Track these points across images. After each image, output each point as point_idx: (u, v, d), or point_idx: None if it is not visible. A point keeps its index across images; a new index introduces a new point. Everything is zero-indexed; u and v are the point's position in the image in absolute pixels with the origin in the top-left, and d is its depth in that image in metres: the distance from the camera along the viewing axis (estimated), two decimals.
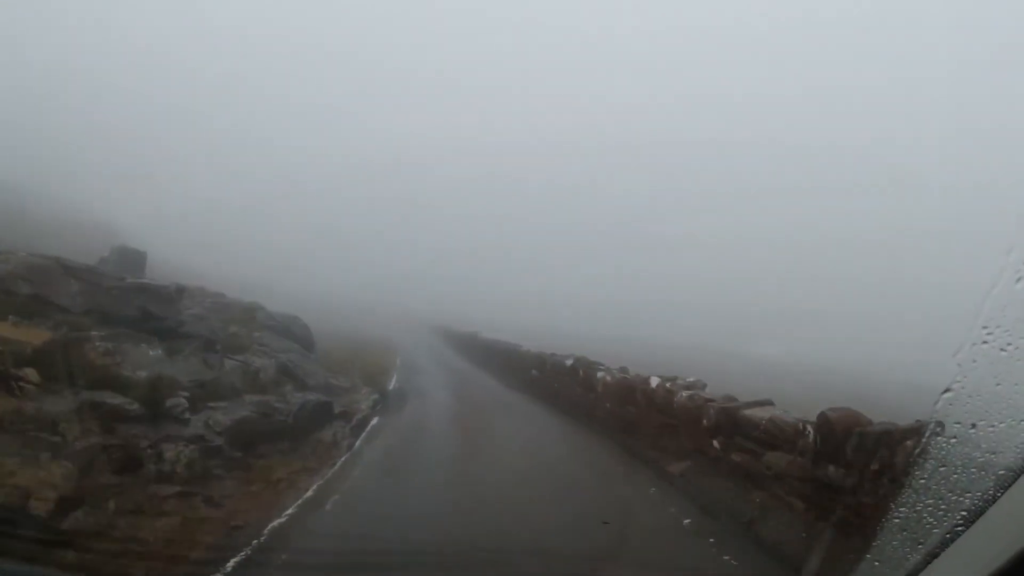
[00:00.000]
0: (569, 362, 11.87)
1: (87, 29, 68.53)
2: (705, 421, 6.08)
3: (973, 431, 1.02)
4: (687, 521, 4.96)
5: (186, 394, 6.72)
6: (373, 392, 12.23)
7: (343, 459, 6.89)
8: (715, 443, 5.90)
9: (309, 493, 5.49)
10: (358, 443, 7.88)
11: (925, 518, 1.06)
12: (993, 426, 0.98)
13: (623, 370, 9.62)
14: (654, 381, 7.75)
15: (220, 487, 5.36)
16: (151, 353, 7.17)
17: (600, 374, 9.68)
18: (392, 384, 15.00)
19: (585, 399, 10.21)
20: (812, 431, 4.46)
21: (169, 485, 4.97)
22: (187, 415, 6.41)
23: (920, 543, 1.03)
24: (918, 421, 3.71)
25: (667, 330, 40.72)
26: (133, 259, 15.48)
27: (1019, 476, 0.88)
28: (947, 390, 1.07)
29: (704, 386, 7.19)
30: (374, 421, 9.58)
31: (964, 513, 0.92)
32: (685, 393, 6.79)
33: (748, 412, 5.55)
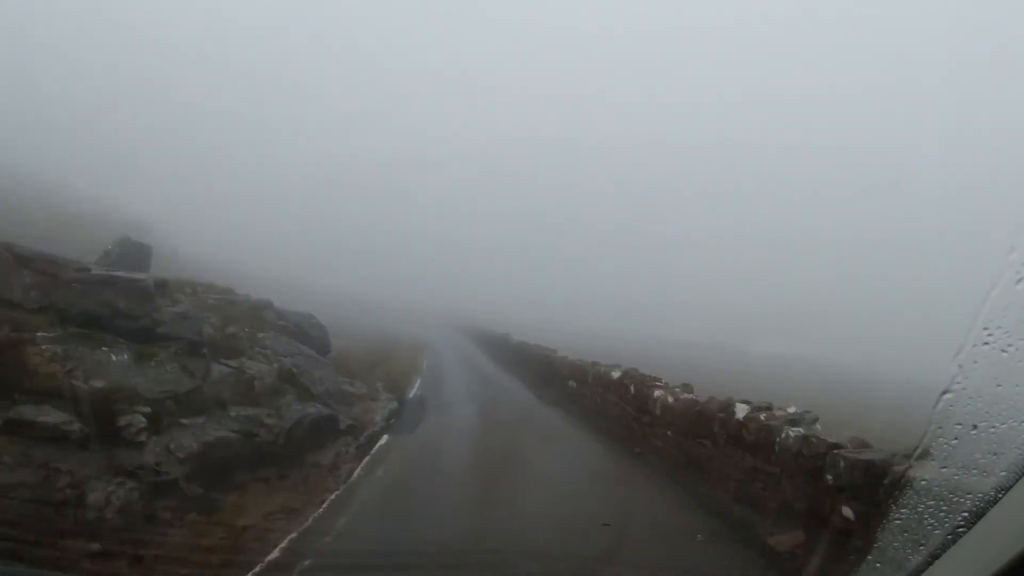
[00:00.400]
0: (616, 374, 12.43)
1: (114, 29, 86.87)
2: (829, 477, 5.51)
3: (974, 432, 1.34)
4: None
5: (147, 409, 7.03)
6: (391, 400, 13.90)
7: (335, 495, 7.33)
8: (846, 511, 5.25)
9: (275, 553, 5.39)
10: (358, 471, 8.50)
11: (926, 519, 1.39)
12: (994, 427, 1.30)
13: (686, 388, 9.85)
14: (741, 410, 7.45)
15: (161, 542, 5.16)
16: (114, 358, 7.73)
17: (658, 393, 9.94)
18: (413, 391, 17.14)
19: (637, 423, 10.59)
20: None
21: (88, 541, 4.66)
22: (143, 437, 6.61)
23: (921, 544, 1.36)
24: None
25: (668, 328, 55.22)
26: (136, 252, 17.44)
27: (1020, 477, 1.18)
28: (947, 391, 1.39)
29: (815, 420, 6.70)
30: (383, 440, 10.43)
31: (965, 514, 1.24)
32: (792, 432, 6.28)
33: (903, 470, 4.84)
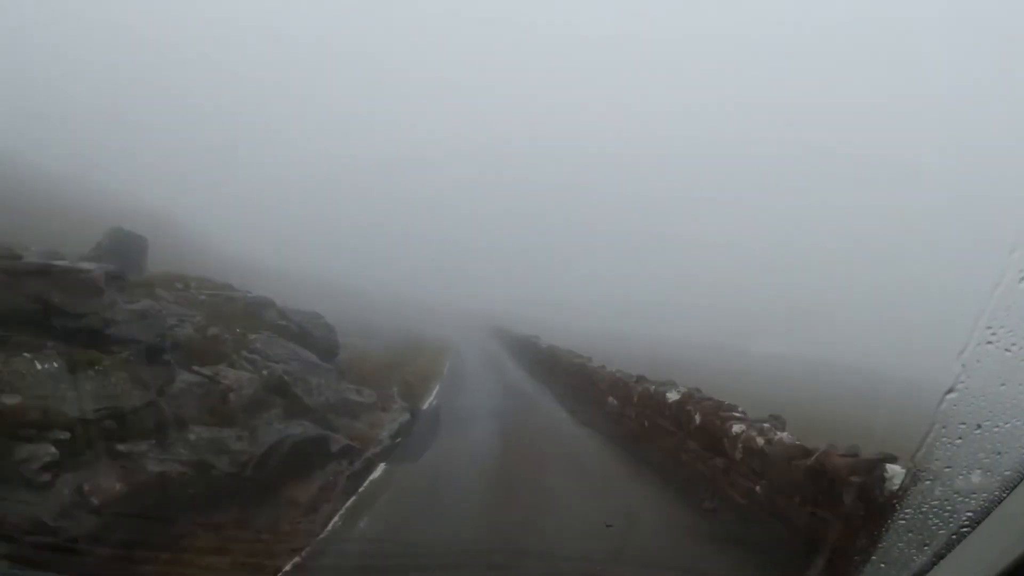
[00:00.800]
0: (672, 396, 12.89)
1: (116, 29, 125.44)
2: None
3: (978, 432, 1.83)
4: None
5: (65, 435, 7.21)
6: (403, 411, 16.07)
7: (294, 561, 7.36)
8: None
9: None
10: (337, 518, 8.95)
11: (931, 519, 1.89)
12: (998, 426, 1.78)
13: (776, 421, 9.89)
14: (896, 475, 6.48)
15: None
16: (39, 367, 8.15)
17: (737, 428, 10.05)
18: (430, 400, 20.45)
19: (704, 465, 10.78)
20: None
21: None
22: (48, 476, 6.69)
23: (926, 544, 1.86)
24: None
25: (668, 329, 78.37)
26: (130, 243, 21.40)
27: None
28: (951, 390, 1.89)
29: None
30: (378, 471, 11.30)
31: (970, 513, 1.72)
32: None
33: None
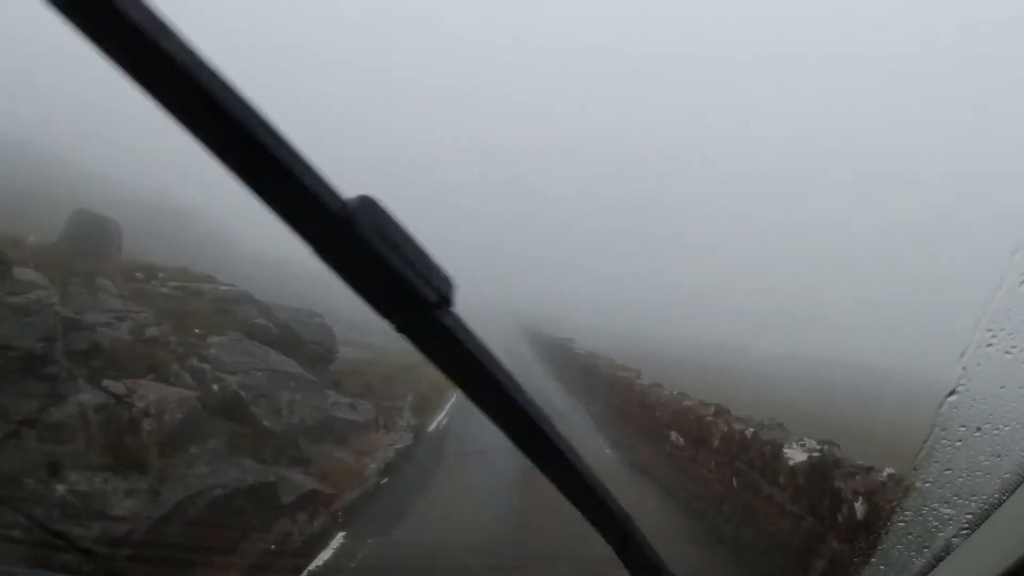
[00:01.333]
0: (797, 457, 10.41)
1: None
2: None
3: (978, 434, 2.05)
4: None
5: None
6: (407, 431, 15.45)
7: None
8: None
9: None
10: None
11: (930, 522, 2.13)
12: (998, 429, 2.00)
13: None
14: None
15: None
16: None
17: None
18: (439, 417, 20.26)
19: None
20: None
21: None
22: None
23: (925, 547, 2.09)
24: None
25: (668, 328, 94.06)
26: (97, 229, 21.49)
27: None
28: (952, 393, 2.12)
29: None
30: (335, 544, 9.18)
31: (970, 516, 1.93)
32: None
33: None
